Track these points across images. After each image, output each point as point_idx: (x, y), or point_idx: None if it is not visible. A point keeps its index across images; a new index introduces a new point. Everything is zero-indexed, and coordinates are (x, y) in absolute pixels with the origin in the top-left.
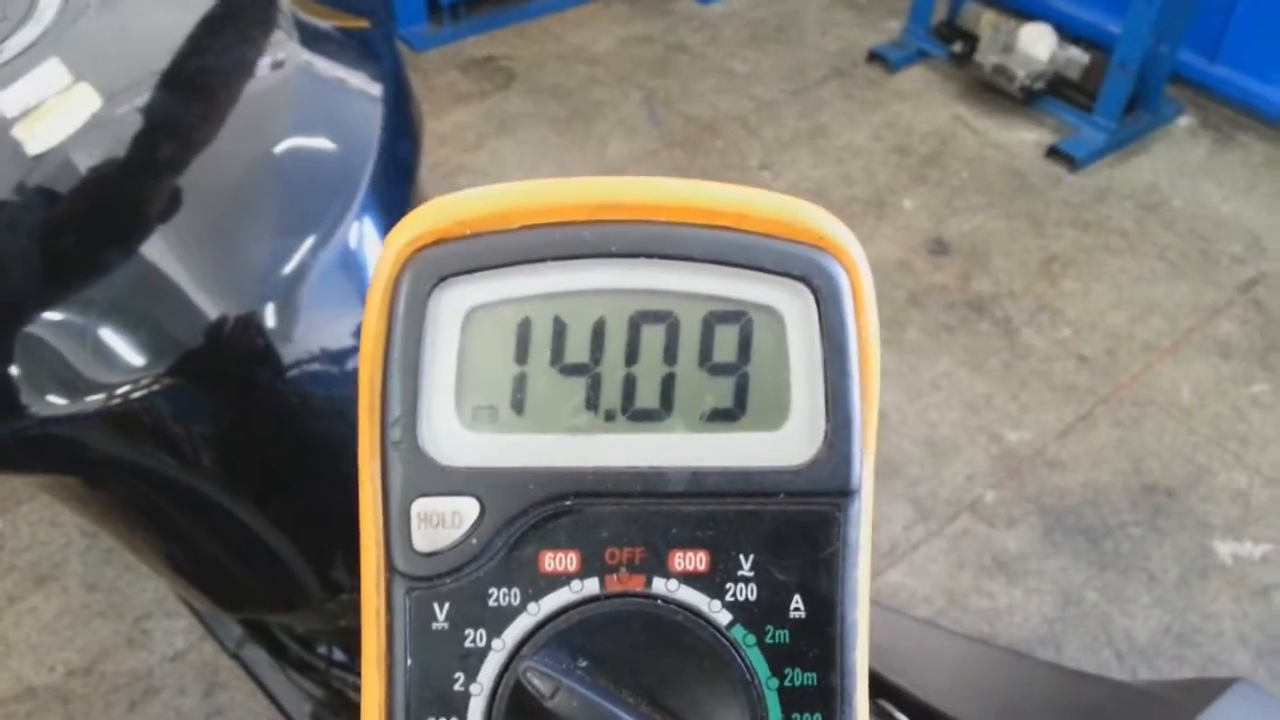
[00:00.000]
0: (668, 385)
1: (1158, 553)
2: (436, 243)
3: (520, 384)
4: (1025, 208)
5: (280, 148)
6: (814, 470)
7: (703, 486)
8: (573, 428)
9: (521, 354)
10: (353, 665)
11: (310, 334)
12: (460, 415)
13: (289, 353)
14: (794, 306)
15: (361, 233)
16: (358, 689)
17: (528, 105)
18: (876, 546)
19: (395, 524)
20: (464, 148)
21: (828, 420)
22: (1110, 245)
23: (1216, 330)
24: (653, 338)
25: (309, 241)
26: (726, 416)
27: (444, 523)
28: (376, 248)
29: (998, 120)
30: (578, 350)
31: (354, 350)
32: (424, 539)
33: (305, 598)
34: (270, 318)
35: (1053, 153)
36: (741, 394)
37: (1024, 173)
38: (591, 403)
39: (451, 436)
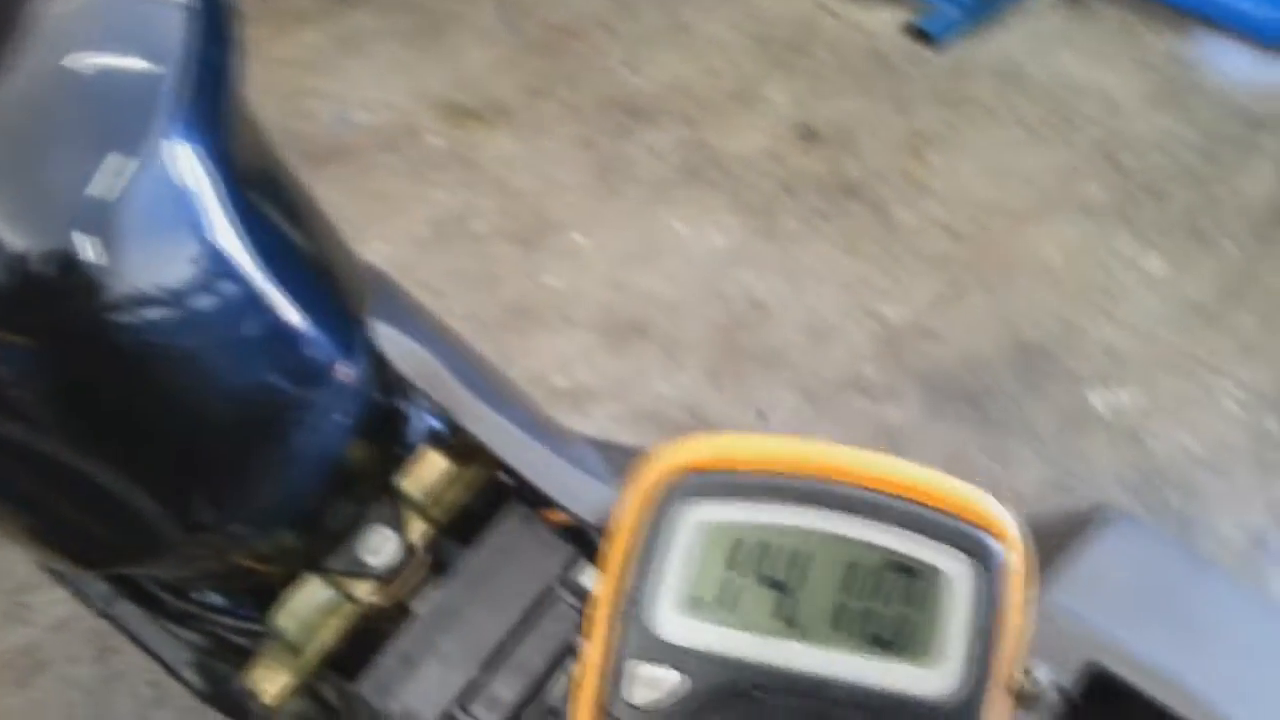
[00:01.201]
0: (843, 611)
1: (1036, 410)
2: (691, 470)
3: (728, 587)
4: (889, 88)
5: (66, 58)
6: (948, 705)
7: (857, 698)
8: (761, 629)
9: (733, 564)
10: (232, 608)
11: (133, 266)
12: (679, 602)
13: (112, 288)
14: (958, 571)
15: (175, 151)
16: (239, 632)
17: (377, 21)
18: (771, 431)
19: (616, 679)
20: (313, 70)
21: (967, 666)
22: (973, 119)
23: (1078, 192)
24: (837, 572)
25: (113, 160)
26: (887, 646)
27: (655, 685)
28: (196, 167)
29: (857, 2)
30: (777, 570)
31: (190, 284)
32: (638, 695)
33: (163, 543)
34: (81, 249)
35: (912, 31)
36: (902, 631)
37: (886, 54)
38: (778, 611)
39: (670, 617)
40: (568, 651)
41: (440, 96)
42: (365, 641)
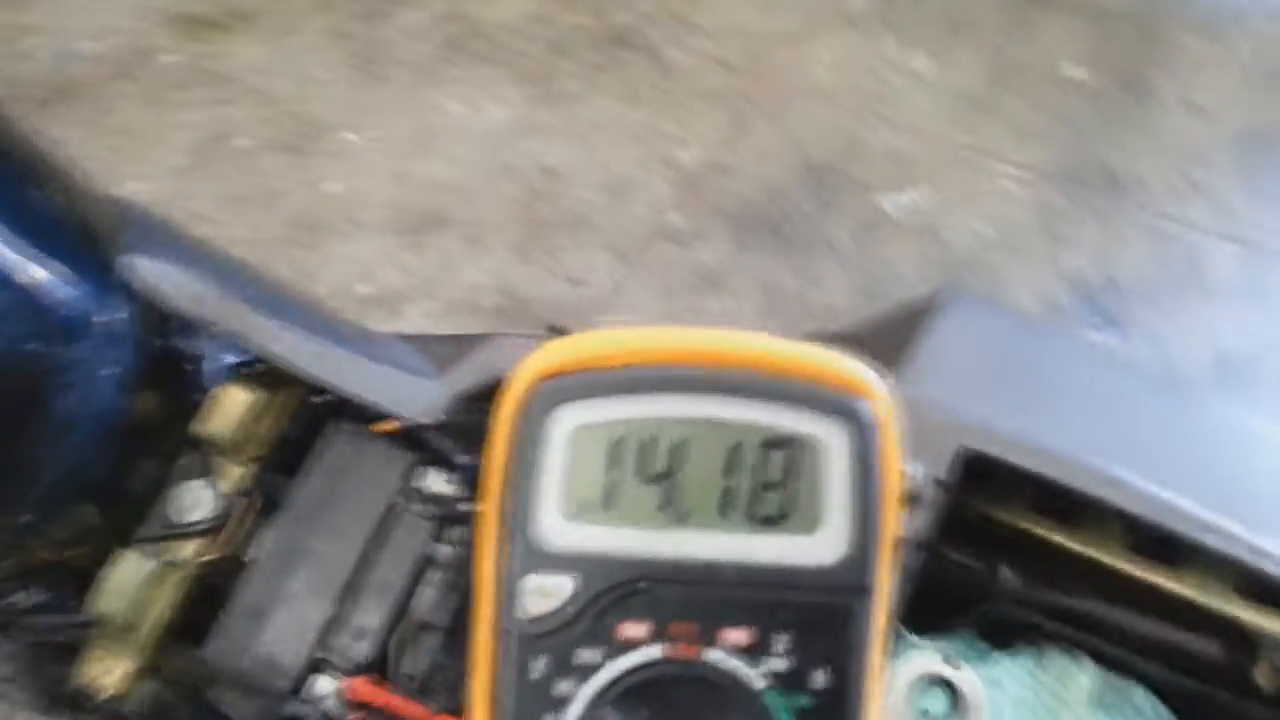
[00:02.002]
0: (727, 494)
1: (834, 225)
2: (556, 375)
3: (611, 487)
4: None
5: None
6: (840, 569)
7: (749, 577)
8: (650, 524)
9: (614, 463)
10: (55, 603)
11: None
12: (564, 509)
13: None
14: (833, 438)
15: None
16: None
17: None
18: (588, 299)
19: (509, 592)
20: (21, 6)
21: (853, 530)
22: None
23: (840, 5)
24: (718, 456)
25: None
26: (772, 522)
27: (547, 593)
28: None
29: None
30: (658, 463)
31: None
32: (532, 605)
33: None
34: None
35: None
36: (786, 505)
37: None
38: (666, 505)
39: (557, 526)
40: (427, 563)
41: (169, 9)
42: (209, 604)
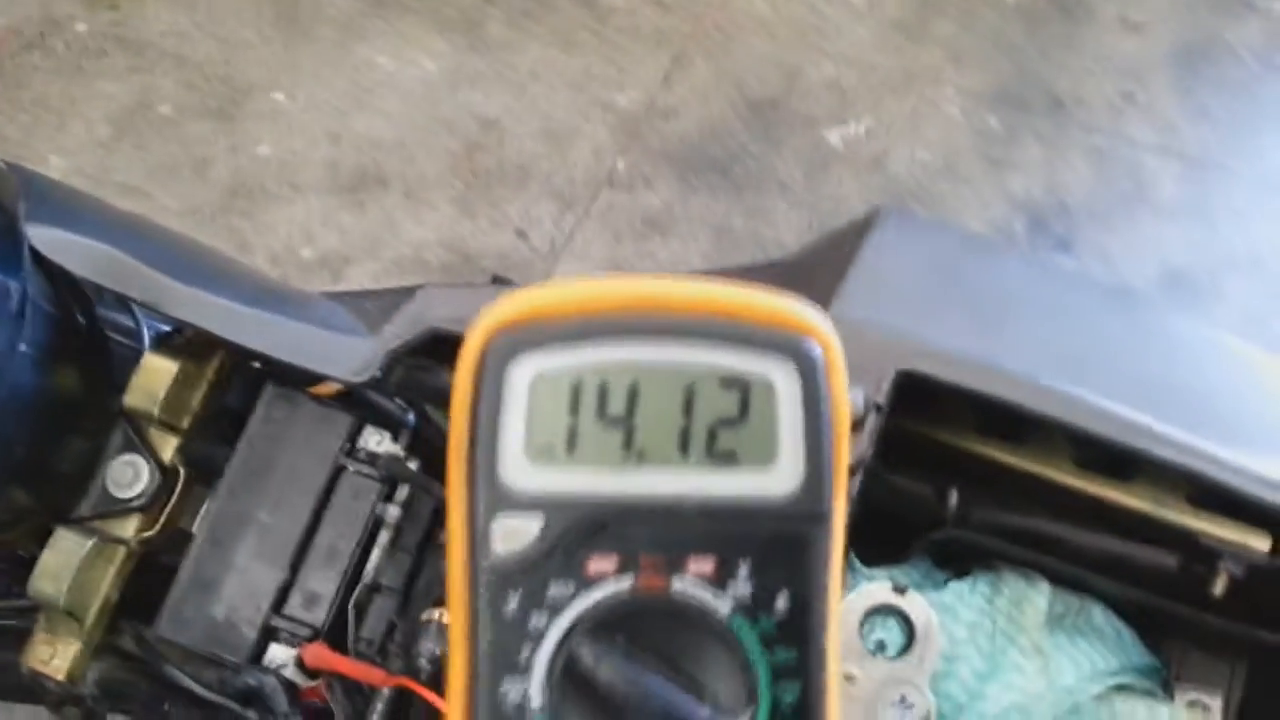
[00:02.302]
0: (684, 433)
1: (780, 162)
2: (513, 325)
3: (572, 431)
4: None
5: None
6: (795, 499)
7: (710, 510)
8: (612, 464)
9: (574, 408)
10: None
11: None
12: (528, 453)
13: None
14: (783, 376)
15: None
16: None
17: None
18: (537, 249)
19: (479, 534)
20: None
21: (807, 462)
22: None
23: None
24: (674, 397)
25: None
26: (730, 458)
27: (516, 533)
28: None
29: None
30: (616, 406)
31: None
32: (501, 545)
33: None
34: None
35: None
36: (741, 441)
37: None
38: (626, 445)
39: (522, 469)
40: (376, 525)
41: None
42: (156, 580)
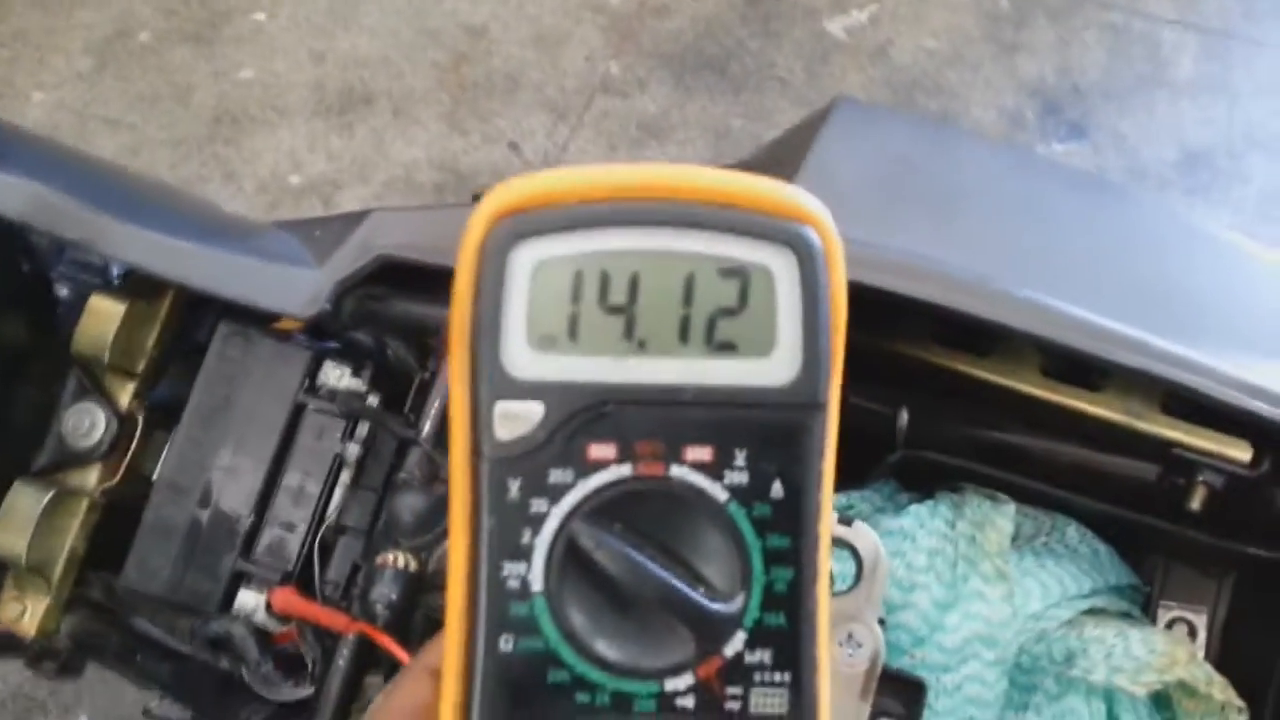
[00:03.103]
0: (684, 322)
1: (780, 56)
2: (514, 212)
3: (574, 319)
4: None
5: None
6: (792, 388)
7: (708, 398)
8: (613, 352)
9: (575, 296)
10: None
11: None
12: (530, 341)
13: None
14: (782, 265)
15: None
16: None
17: None
18: (530, 162)
19: (481, 420)
20: None
21: (804, 352)
22: None
23: None
24: (674, 286)
25: None
26: (728, 347)
27: (517, 419)
28: None
29: None
30: (618, 295)
31: None
32: (503, 431)
33: None
34: None
35: None
36: (740, 330)
37: None
38: (627, 334)
39: (523, 356)
40: (339, 463)
41: None
42: (123, 528)
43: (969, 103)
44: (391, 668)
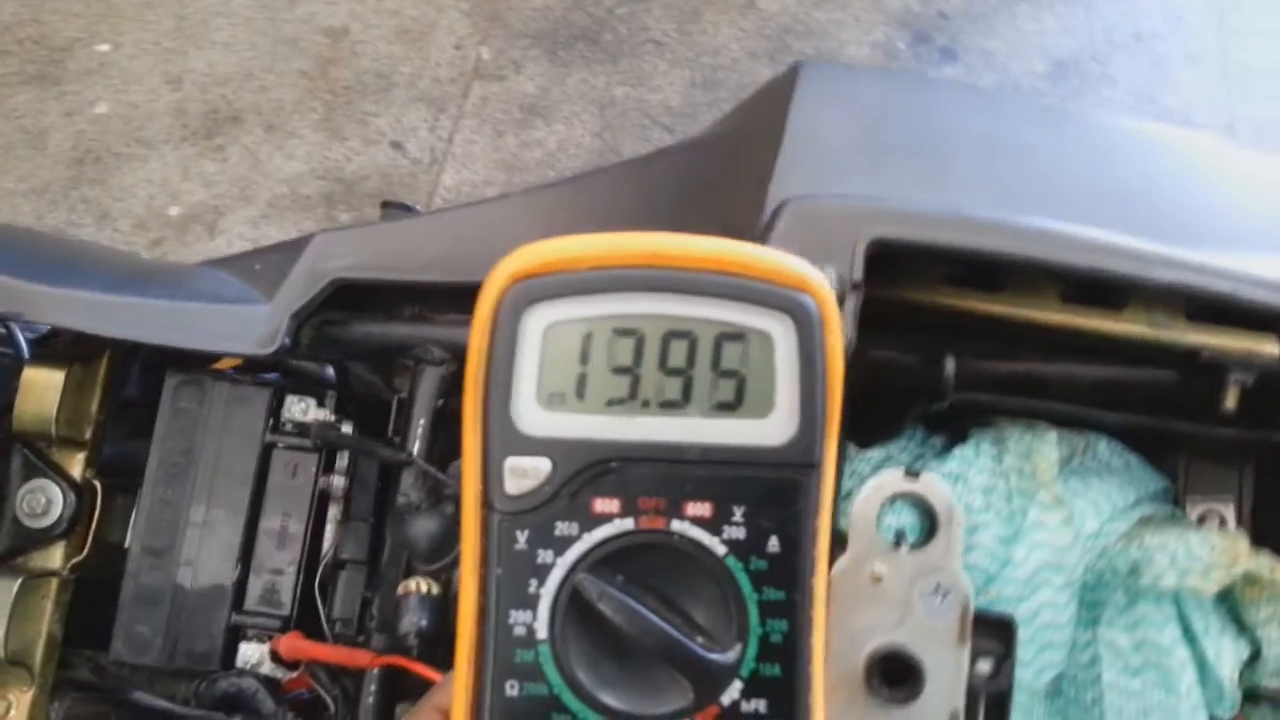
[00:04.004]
0: (687, 383)
1: (650, 19)
2: (528, 276)
3: (582, 379)
4: None
5: None
6: (789, 448)
7: (709, 456)
8: (618, 411)
9: (584, 357)
10: None
11: None
12: (539, 399)
13: None
14: (781, 331)
15: None
16: None
17: None
18: (418, 160)
19: (492, 475)
20: None
21: (801, 413)
22: None
23: None
24: (678, 349)
25: None
26: (729, 407)
27: (526, 474)
28: None
29: None
30: (624, 356)
31: None
32: (513, 485)
33: None
34: None
35: None
36: (740, 392)
37: None
38: (632, 394)
39: (533, 414)
40: (324, 499)
41: None
42: (99, 601)
43: (841, 41)
44: (420, 698)
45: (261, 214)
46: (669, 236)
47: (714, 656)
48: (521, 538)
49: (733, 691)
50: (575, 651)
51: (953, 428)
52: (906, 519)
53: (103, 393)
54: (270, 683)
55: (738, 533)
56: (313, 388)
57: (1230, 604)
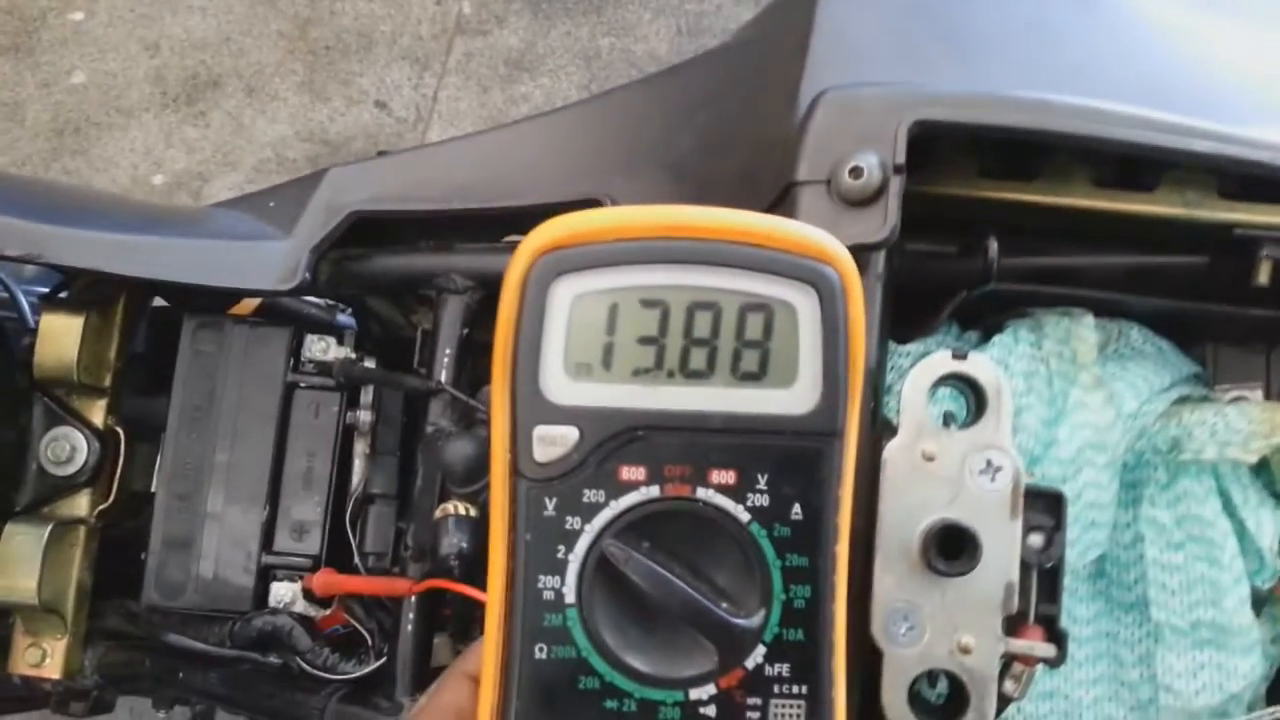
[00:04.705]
0: (712, 353)
1: None
2: (556, 248)
3: (609, 349)
4: None
5: None
6: (812, 417)
7: (733, 425)
8: (644, 380)
9: (610, 328)
10: None
11: None
12: (567, 369)
13: None
14: (804, 302)
15: None
16: None
17: None
18: (403, 119)
19: (521, 442)
20: None
21: (824, 383)
22: None
23: None
24: (703, 320)
25: None
26: (753, 377)
27: (554, 442)
28: None
29: None
30: (650, 327)
31: None
32: (541, 453)
33: None
34: None
35: None
36: (764, 362)
37: None
38: (658, 364)
39: (561, 383)
40: (349, 435)
41: None
42: (125, 550)
43: None
44: (458, 626)
45: (247, 179)
46: (694, 209)
47: (738, 621)
48: (550, 504)
49: (756, 655)
50: (602, 615)
51: (986, 324)
52: (952, 404)
53: (120, 338)
54: (304, 620)
55: (761, 500)
56: (333, 326)
57: (1268, 478)
